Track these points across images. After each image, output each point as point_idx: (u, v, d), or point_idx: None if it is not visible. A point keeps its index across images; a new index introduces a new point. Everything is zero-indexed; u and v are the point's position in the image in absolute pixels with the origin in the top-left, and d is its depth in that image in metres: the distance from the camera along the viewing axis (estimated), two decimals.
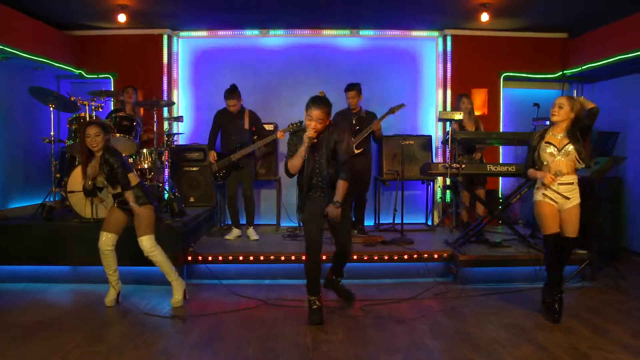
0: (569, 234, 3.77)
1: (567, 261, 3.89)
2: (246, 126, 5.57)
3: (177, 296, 4.08)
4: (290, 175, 3.74)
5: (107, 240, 3.99)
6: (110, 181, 3.94)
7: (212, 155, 5.55)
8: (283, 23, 6.52)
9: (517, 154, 6.59)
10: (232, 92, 5.48)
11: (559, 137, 3.75)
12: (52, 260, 4.68)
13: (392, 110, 5.62)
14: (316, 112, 3.54)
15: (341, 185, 3.64)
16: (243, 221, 5.77)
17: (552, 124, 3.81)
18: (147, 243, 3.95)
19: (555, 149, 3.74)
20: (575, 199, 3.75)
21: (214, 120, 5.69)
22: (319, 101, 3.59)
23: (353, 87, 5.66)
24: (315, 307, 3.70)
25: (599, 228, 4.94)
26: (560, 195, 3.72)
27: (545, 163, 3.78)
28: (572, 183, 3.74)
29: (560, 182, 3.71)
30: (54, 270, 4.71)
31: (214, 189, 6.36)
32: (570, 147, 3.70)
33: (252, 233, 5.64)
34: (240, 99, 5.55)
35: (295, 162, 3.64)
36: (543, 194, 3.76)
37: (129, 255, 4.28)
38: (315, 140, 3.61)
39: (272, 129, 6.35)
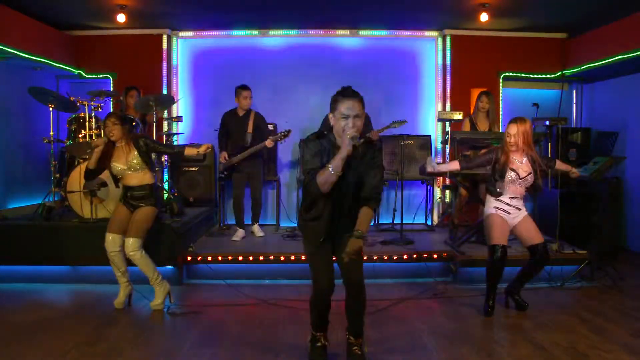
0: (537, 240, 3.85)
1: (543, 268, 3.98)
2: (249, 129, 5.57)
3: (157, 300, 3.96)
4: (317, 192, 2.68)
5: (113, 241, 3.89)
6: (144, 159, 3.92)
7: (223, 156, 5.58)
8: (282, 23, 6.52)
9: None
10: (246, 85, 5.60)
11: (522, 163, 3.86)
12: (51, 260, 4.67)
13: (393, 124, 5.76)
14: (352, 104, 2.63)
15: (368, 214, 2.77)
16: (246, 221, 5.75)
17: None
18: (131, 245, 3.84)
19: (517, 176, 3.83)
20: (523, 210, 3.92)
21: (221, 122, 5.72)
22: (351, 91, 2.68)
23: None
24: (319, 344, 3.02)
25: (598, 228, 4.94)
26: (511, 207, 3.87)
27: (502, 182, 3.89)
28: (520, 198, 3.90)
29: (511, 196, 3.87)
30: (53, 270, 4.71)
31: (213, 189, 6.36)
32: (530, 177, 3.84)
33: (257, 230, 5.72)
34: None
35: (330, 178, 2.60)
36: (495, 207, 3.89)
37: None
38: (357, 143, 2.64)
39: (272, 129, 6.35)
